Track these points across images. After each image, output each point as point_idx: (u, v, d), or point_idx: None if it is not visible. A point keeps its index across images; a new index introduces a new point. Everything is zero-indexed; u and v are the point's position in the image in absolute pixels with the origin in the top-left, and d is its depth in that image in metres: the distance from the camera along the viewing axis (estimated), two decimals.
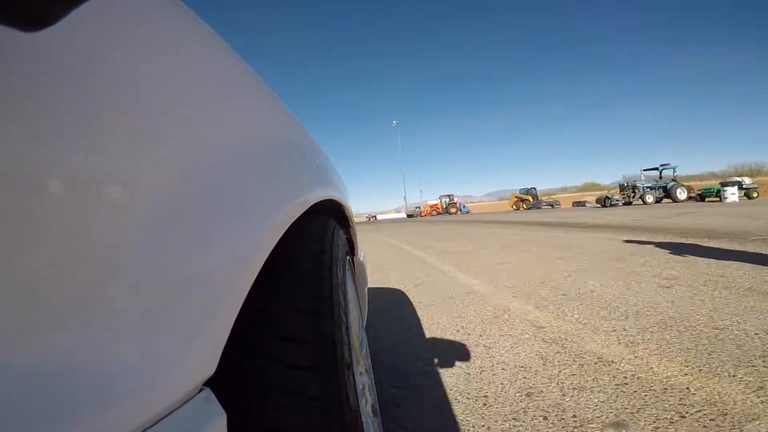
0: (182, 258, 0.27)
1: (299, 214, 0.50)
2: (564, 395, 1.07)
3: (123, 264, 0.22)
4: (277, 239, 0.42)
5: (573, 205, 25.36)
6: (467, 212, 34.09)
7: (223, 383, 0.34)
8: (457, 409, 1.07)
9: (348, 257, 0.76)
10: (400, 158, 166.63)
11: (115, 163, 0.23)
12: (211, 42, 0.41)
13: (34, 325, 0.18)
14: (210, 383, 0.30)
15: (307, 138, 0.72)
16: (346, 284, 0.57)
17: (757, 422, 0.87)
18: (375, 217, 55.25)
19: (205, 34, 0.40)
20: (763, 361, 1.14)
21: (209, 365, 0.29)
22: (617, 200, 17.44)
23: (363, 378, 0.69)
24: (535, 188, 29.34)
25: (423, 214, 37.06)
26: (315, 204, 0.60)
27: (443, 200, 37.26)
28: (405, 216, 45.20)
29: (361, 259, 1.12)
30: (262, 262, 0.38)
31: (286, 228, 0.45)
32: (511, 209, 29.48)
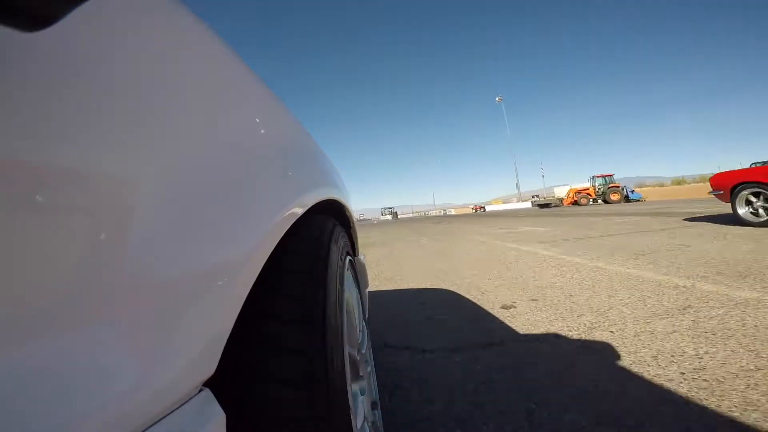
0: (182, 258, 0.27)
1: (299, 215, 0.50)
2: None
3: (123, 264, 0.22)
4: (277, 240, 0.41)
5: None
6: (639, 200, 22.89)
7: (223, 383, 0.34)
8: None
9: (349, 258, 0.76)
10: (508, 140, 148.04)
11: (114, 164, 0.23)
12: (211, 42, 0.40)
13: (34, 325, 0.18)
14: (210, 383, 0.30)
15: (308, 140, 0.72)
16: (343, 285, 0.57)
17: None
18: (483, 208, 48.46)
19: (205, 34, 0.39)
20: None
21: (209, 366, 0.29)
22: None
23: (363, 379, 0.70)
24: None
25: (565, 203, 25.91)
26: (316, 205, 0.60)
27: (596, 183, 25.08)
28: (527, 206, 36.49)
29: (362, 259, 1.11)
30: (263, 263, 0.38)
31: (287, 228, 0.44)
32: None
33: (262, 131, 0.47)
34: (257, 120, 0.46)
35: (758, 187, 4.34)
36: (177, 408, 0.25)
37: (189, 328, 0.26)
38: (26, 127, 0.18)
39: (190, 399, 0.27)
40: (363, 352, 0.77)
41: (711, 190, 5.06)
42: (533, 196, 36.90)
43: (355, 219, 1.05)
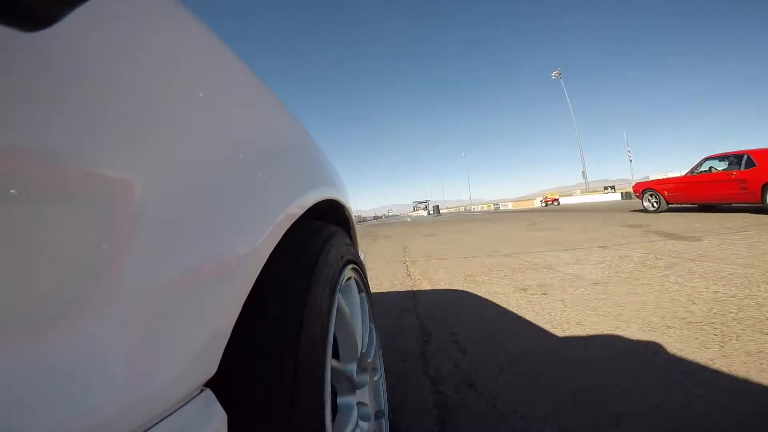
0: (183, 259, 0.27)
1: (299, 215, 0.51)
2: None
3: (123, 265, 0.23)
4: (277, 240, 0.42)
5: None
6: None
7: (224, 383, 0.34)
8: None
9: (350, 261, 0.76)
10: (567, 121, 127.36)
11: (114, 164, 0.23)
12: (210, 41, 0.41)
13: (34, 324, 0.18)
14: (211, 384, 0.31)
15: (306, 138, 0.73)
16: (336, 289, 0.57)
17: None
18: (557, 200, 38.80)
19: (204, 34, 0.40)
20: None
21: (210, 366, 0.29)
22: None
23: (361, 378, 0.72)
24: None
25: None
26: (315, 204, 0.61)
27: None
28: (605, 199, 28.37)
29: (362, 258, 1.13)
30: (263, 263, 0.39)
31: (286, 229, 0.45)
32: None
33: (259, 130, 0.48)
34: (253, 119, 0.48)
35: (652, 192, 8.11)
36: (179, 408, 0.25)
37: (190, 329, 0.27)
38: (26, 127, 0.18)
39: (192, 399, 0.27)
40: (370, 360, 0.78)
41: (633, 192, 8.92)
42: (606, 187, 31.65)
43: (354, 218, 1.08)
